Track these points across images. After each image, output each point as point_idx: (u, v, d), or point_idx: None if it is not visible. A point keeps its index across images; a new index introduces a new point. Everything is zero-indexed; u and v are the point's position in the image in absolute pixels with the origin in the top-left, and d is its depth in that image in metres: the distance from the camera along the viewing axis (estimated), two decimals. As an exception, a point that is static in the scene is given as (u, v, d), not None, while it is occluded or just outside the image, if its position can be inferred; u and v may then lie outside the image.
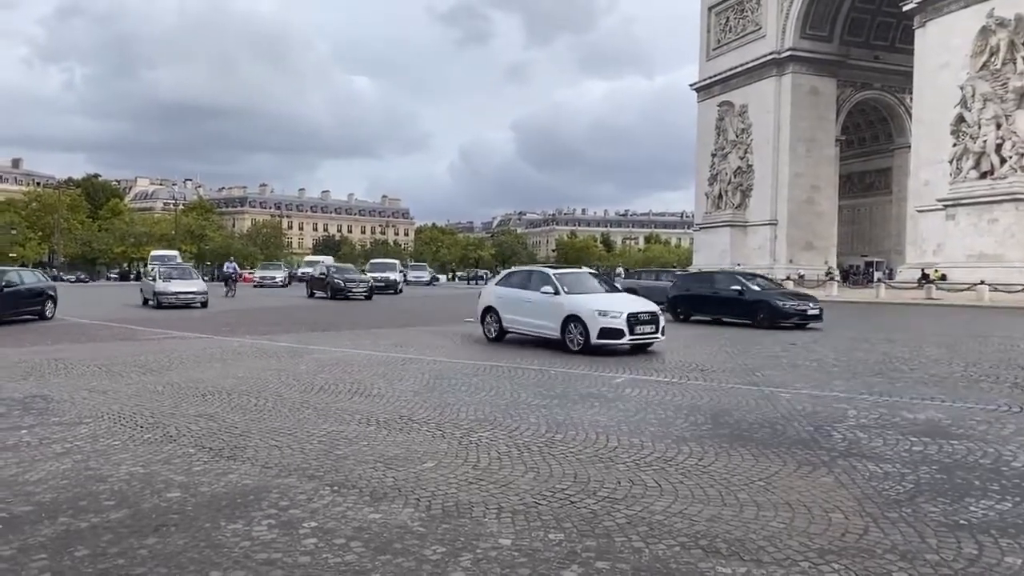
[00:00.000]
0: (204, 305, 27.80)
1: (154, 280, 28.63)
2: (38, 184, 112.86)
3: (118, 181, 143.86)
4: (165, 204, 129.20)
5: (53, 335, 17.52)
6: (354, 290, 36.08)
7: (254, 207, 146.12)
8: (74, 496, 5.45)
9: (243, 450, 6.82)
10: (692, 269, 70.67)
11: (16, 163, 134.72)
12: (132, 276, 74.98)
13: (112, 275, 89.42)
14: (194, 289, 28.54)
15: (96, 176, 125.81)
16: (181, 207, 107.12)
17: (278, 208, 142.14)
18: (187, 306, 27.70)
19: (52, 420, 8.03)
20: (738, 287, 22.11)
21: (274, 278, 54.44)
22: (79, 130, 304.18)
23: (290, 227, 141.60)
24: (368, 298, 35.96)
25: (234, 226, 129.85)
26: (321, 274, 38.51)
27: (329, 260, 67.27)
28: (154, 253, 62.02)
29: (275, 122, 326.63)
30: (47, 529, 4.78)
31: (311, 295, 38.29)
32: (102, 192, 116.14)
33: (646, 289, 27.71)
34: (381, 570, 4.18)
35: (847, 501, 5.45)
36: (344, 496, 5.48)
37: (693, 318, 23.13)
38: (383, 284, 43.18)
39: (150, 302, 28.57)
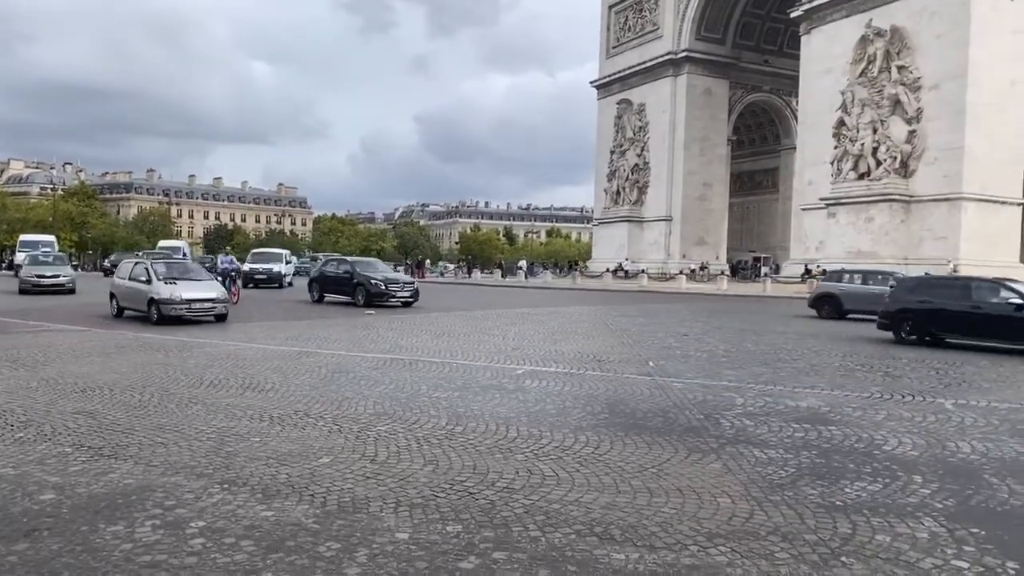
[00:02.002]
0: (222, 319, 18.55)
1: (147, 280, 18.44)
2: None
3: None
4: (42, 189, 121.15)
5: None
6: (398, 294, 25.53)
7: (140, 193, 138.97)
8: (-67, 501, 5.04)
9: (125, 448, 6.48)
10: (592, 263, 71.99)
11: None
12: (3, 265, 69.30)
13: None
14: (212, 295, 18.67)
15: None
16: (60, 192, 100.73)
17: (167, 195, 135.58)
18: (198, 321, 18.33)
19: (-91, 420, 7.41)
20: (1018, 299, 14.92)
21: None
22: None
23: (179, 215, 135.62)
24: (408, 304, 25.57)
25: (119, 213, 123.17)
26: (345, 272, 26.94)
27: (183, 244, 61.67)
28: (24, 237, 52.53)
29: (166, 106, 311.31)
30: (-99, 538, 4.40)
31: (319, 299, 27.32)
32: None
33: (856, 297, 23.54)
34: (273, 569, 4.06)
35: (734, 486, 5.67)
36: (234, 494, 5.30)
37: (948, 341, 16.10)
38: (266, 277, 37.88)
39: (122, 311, 19.62)
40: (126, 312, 19.41)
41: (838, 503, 5.31)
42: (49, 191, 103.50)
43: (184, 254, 49.91)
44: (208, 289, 18.97)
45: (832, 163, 46.74)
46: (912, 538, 4.67)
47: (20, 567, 4.03)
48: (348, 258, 31.93)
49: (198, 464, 6.03)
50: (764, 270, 59.78)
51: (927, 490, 5.65)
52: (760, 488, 5.63)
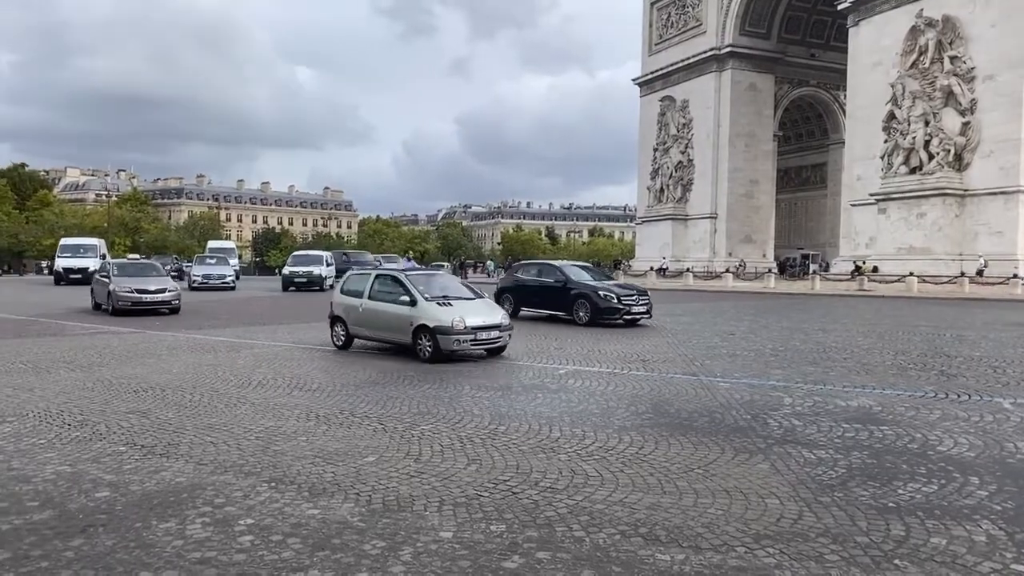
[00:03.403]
0: (499, 352, 12.96)
1: (410, 302, 12.62)
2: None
3: (46, 171, 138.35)
4: (97, 195, 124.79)
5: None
6: (633, 308, 19.12)
7: (191, 199, 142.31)
8: (-5, 498, 5.21)
9: (176, 447, 6.63)
10: (635, 262, 71.62)
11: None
12: (46, 270, 70.73)
13: (44, 268, 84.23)
14: (497, 320, 12.93)
15: (23, 166, 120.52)
16: (114, 199, 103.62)
17: (216, 200, 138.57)
18: (472, 358, 12.75)
19: (-27, 419, 7.67)
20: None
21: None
22: (4, 118, 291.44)
23: (228, 219, 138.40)
24: (633, 323, 19.48)
25: (170, 218, 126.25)
26: (556, 280, 20.40)
27: (231, 244, 61.86)
28: (65, 241, 47.26)
29: (214, 113, 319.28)
30: (-35, 533, 4.56)
31: (513, 314, 19.47)
32: (29, 183, 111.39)
33: None
34: (319, 566, 4.11)
35: (782, 487, 5.57)
36: (282, 492, 5.37)
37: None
38: (306, 280, 37.05)
39: (351, 340, 14.01)
40: (358, 342, 14.05)
41: (891, 505, 5.18)
42: (104, 198, 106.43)
43: (233, 255, 50.54)
44: (488, 311, 12.95)
45: (882, 157, 45.63)
46: (969, 541, 4.53)
47: (76, 562, 4.14)
48: (554, 262, 24.15)
49: (246, 463, 6.14)
50: (813, 267, 58.64)
51: (984, 492, 5.47)
52: (809, 489, 5.52)
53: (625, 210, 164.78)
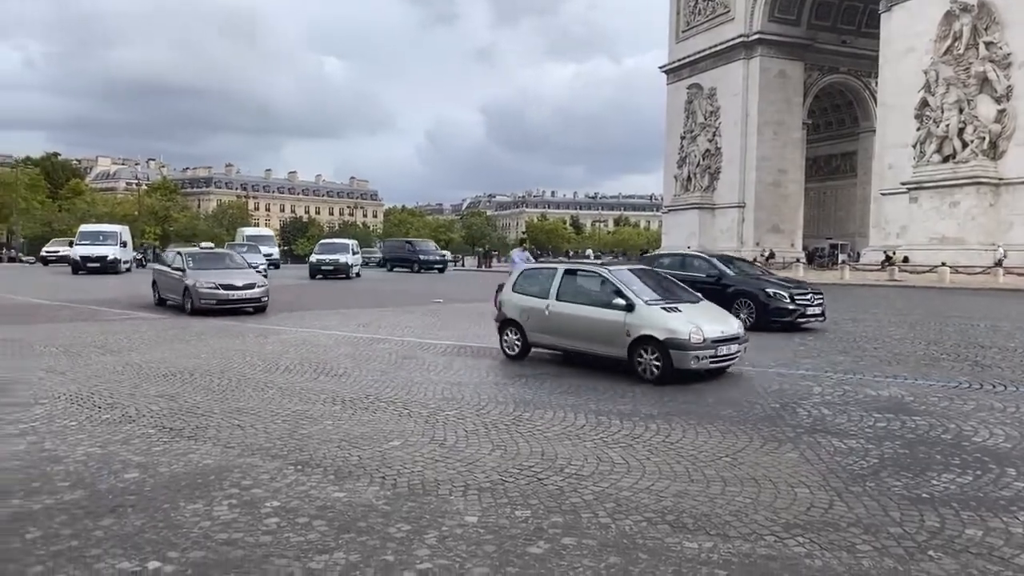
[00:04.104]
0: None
1: (626, 306, 9.66)
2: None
3: (79, 160, 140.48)
4: (128, 184, 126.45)
5: (8, 315, 17.07)
6: (807, 310, 15.72)
7: (220, 188, 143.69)
8: (27, 477, 5.28)
9: (204, 430, 6.68)
10: (663, 251, 71.23)
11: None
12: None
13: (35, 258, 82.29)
14: (734, 330, 10.01)
15: (56, 155, 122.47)
16: (144, 187, 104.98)
17: (244, 189, 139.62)
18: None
19: (6, 401, 7.79)
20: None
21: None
22: (38, 108, 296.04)
23: (256, 208, 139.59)
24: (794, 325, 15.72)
25: (199, 207, 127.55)
26: (710, 276, 16.66)
27: (269, 232, 59.86)
28: (85, 227, 44.05)
29: (242, 102, 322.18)
30: (-2, 511, 4.62)
31: None
32: (62, 171, 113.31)
33: None
34: (345, 548, 4.11)
35: (812, 476, 5.48)
36: (308, 475, 5.39)
37: None
38: (332, 268, 37.10)
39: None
40: (531, 349, 11.31)
41: (924, 495, 5.07)
42: (134, 187, 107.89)
43: (271, 243, 49.18)
44: (722, 318, 10.18)
45: (914, 146, 44.81)
46: (1006, 533, 4.42)
47: (105, 541, 4.18)
48: (702, 253, 20.54)
49: (273, 446, 6.17)
50: (842, 257, 57.88)
51: (1022, 483, 5.34)
52: (840, 478, 5.42)
53: (651, 199, 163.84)
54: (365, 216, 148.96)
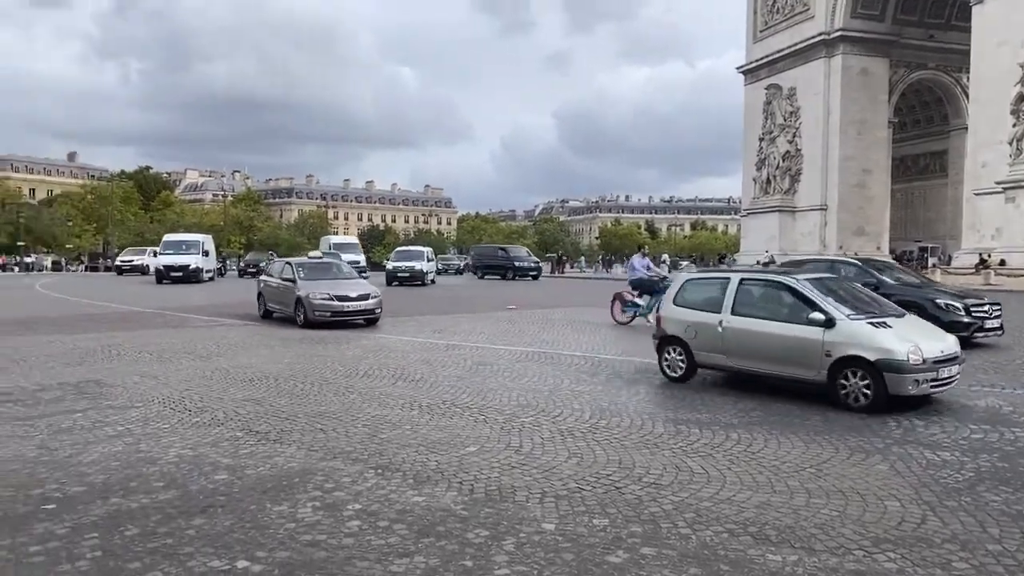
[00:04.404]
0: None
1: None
2: (92, 176, 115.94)
3: (168, 173, 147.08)
4: (214, 195, 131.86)
5: (106, 322, 17.97)
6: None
7: (300, 198, 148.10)
8: (125, 477, 5.55)
9: (289, 433, 6.88)
10: (740, 256, 69.69)
11: (71, 156, 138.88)
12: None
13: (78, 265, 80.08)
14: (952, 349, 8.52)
15: (148, 169, 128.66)
16: (230, 198, 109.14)
17: (324, 199, 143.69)
18: None
19: (105, 404, 8.21)
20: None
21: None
22: (131, 123, 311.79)
23: (336, 217, 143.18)
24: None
25: (281, 217, 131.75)
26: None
27: (354, 240, 58.67)
28: (169, 237, 44.49)
29: (322, 114, 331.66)
30: (99, 509, 4.87)
31: None
32: (153, 184, 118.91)
33: None
34: (424, 552, 4.16)
35: (903, 489, 5.27)
36: (388, 479, 5.49)
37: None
38: (408, 275, 37.62)
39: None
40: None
41: (1026, 512, 4.81)
42: (220, 197, 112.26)
43: (355, 251, 46.95)
44: (934, 334, 8.79)
45: (1010, 143, 42.60)
46: (1118, 554, 4.15)
47: (197, 539, 4.35)
48: (854, 259, 19.51)
49: (354, 450, 6.30)
50: (932, 261, 55.48)
51: None
52: (933, 492, 5.19)
53: (729, 202, 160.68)
54: (439, 223, 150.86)
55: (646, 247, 19.95)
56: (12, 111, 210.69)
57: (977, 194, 45.87)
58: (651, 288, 16.57)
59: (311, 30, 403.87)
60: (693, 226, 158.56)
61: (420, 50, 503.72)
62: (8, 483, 5.41)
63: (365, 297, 16.74)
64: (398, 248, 48.57)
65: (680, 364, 9.79)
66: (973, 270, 40.13)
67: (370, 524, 4.59)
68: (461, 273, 51.24)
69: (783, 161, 65.77)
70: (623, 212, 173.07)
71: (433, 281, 40.51)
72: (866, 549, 4.22)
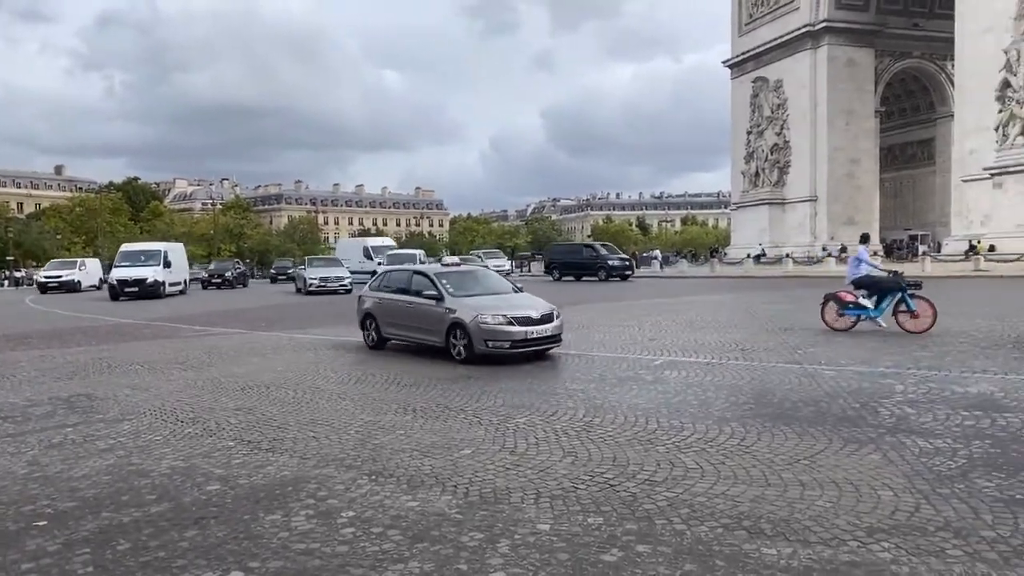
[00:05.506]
0: None
1: None
2: (80, 189, 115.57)
3: (157, 183, 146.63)
4: (203, 204, 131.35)
5: (97, 336, 17.88)
6: None
7: (290, 204, 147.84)
8: (116, 491, 5.51)
9: (281, 442, 6.85)
10: (731, 249, 69.73)
11: (59, 170, 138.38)
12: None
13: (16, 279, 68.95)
14: None
15: (136, 179, 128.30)
16: (219, 207, 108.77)
17: (313, 204, 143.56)
18: None
19: (96, 418, 8.16)
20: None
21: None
22: (119, 135, 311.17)
23: (326, 222, 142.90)
24: None
25: (271, 223, 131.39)
26: None
27: (389, 241, 52.98)
28: (126, 247, 38.41)
29: (309, 119, 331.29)
30: (90, 524, 4.84)
31: None
32: (142, 195, 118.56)
33: None
34: (419, 557, 4.14)
35: (896, 478, 5.28)
36: (382, 485, 5.47)
37: None
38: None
39: None
40: None
41: (1019, 497, 4.82)
42: (209, 206, 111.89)
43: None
44: None
45: (996, 129, 42.85)
46: (1111, 536, 4.16)
47: (190, 552, 4.33)
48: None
49: (347, 456, 6.28)
50: (922, 248, 55.76)
51: None
52: (926, 480, 5.20)
53: (718, 196, 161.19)
54: (431, 225, 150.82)
55: (869, 238, 16.52)
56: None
57: (965, 181, 46.13)
58: (884, 287, 13.93)
59: (296, 37, 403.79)
60: (683, 221, 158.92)
61: (405, 54, 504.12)
62: (-1, 501, 5.37)
63: (549, 318, 12.00)
64: (388, 252, 45.27)
65: None
66: (963, 257, 40.34)
67: (364, 531, 4.57)
68: (509, 275, 48.39)
69: (771, 154, 66.01)
70: (614, 209, 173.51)
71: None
72: (860, 540, 4.22)
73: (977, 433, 6.42)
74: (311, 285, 34.57)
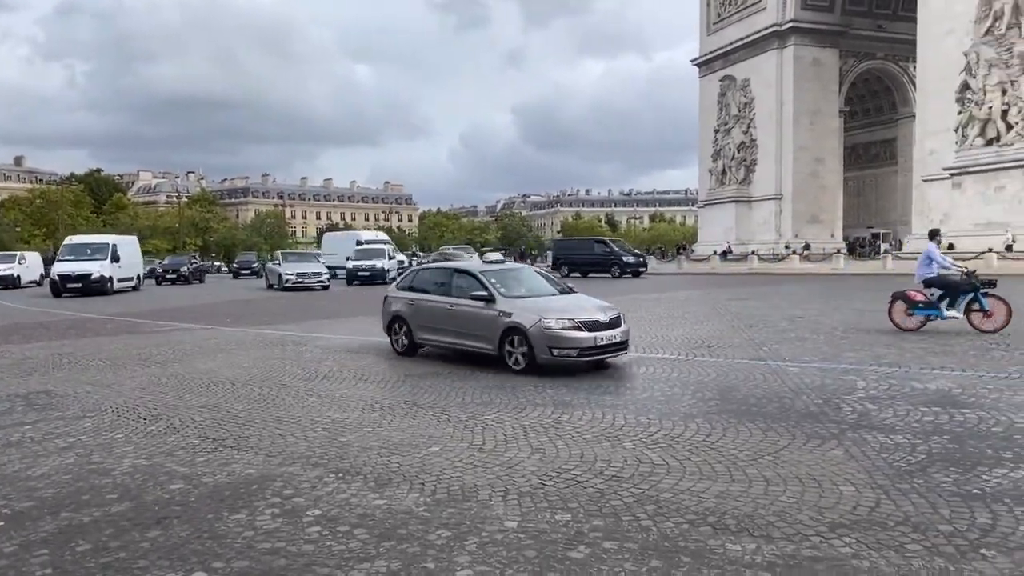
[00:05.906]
0: None
1: None
2: (41, 181, 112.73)
3: (121, 176, 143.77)
4: (168, 197, 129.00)
5: (57, 331, 17.51)
6: None
7: (257, 197, 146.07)
8: (76, 490, 5.41)
9: (246, 440, 6.77)
10: (698, 246, 70.40)
11: (19, 161, 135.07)
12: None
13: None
14: None
15: (99, 171, 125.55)
16: (185, 200, 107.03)
17: (281, 198, 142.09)
18: None
19: (55, 415, 7.99)
20: None
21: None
22: (81, 126, 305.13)
23: (293, 216, 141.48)
24: None
25: (238, 217, 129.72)
26: None
27: (381, 235, 50.68)
28: (71, 240, 35.69)
29: (276, 112, 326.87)
30: (49, 524, 4.74)
31: None
32: (105, 187, 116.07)
33: None
34: (386, 556, 4.13)
35: (857, 473, 5.37)
36: (348, 483, 5.43)
37: None
38: (369, 274, 35.94)
39: None
40: None
41: (975, 491, 4.94)
42: (175, 199, 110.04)
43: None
44: None
45: (956, 130, 43.76)
46: (1063, 530, 4.27)
47: (152, 552, 4.26)
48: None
49: (314, 454, 6.23)
50: (884, 247, 56.78)
51: (1078, 477, 5.16)
52: (886, 475, 5.31)
53: (686, 194, 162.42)
54: (400, 220, 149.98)
55: (939, 234, 15.81)
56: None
57: (925, 180, 47.06)
58: (958, 288, 13.29)
59: (266, 28, 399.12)
60: (652, 218, 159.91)
61: (376, 47, 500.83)
62: (-47, 501, 5.23)
63: (616, 322, 10.52)
64: (356, 247, 44.26)
65: None
66: (923, 255, 41.09)
67: (330, 529, 4.54)
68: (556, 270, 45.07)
69: (738, 152, 66.72)
70: (584, 206, 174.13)
71: (394, 279, 38.95)
72: (823, 535, 4.29)
73: (936, 428, 6.56)
74: (287, 281, 33.09)
